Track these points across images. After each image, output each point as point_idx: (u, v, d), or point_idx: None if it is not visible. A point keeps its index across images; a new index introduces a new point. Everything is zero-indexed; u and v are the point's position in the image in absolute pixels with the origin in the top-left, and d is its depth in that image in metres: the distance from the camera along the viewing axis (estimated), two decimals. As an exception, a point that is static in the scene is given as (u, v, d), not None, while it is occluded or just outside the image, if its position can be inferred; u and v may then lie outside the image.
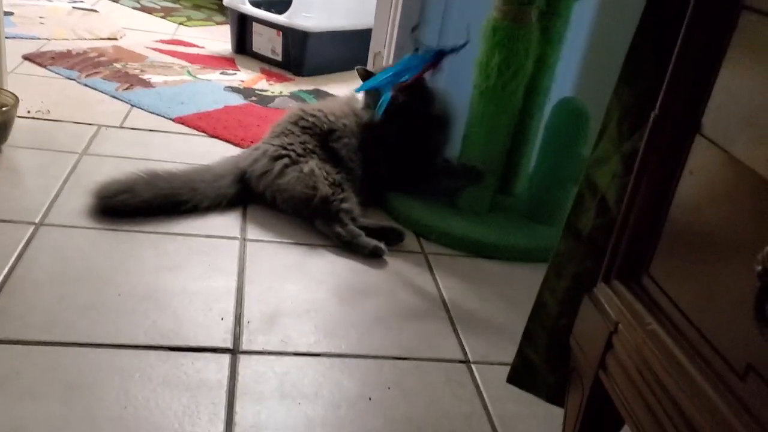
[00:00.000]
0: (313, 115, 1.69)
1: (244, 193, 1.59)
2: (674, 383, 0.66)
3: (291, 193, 1.54)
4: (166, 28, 3.18)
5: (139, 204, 1.45)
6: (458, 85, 1.84)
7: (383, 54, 2.05)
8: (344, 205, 1.53)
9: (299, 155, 1.60)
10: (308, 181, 1.54)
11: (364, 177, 1.67)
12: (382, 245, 1.48)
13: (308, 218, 1.55)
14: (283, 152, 1.60)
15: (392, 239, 1.53)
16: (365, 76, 1.73)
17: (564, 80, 1.81)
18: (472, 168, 1.67)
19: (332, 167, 1.60)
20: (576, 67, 1.93)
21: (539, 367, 0.95)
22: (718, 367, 0.63)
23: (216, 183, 1.56)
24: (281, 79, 2.64)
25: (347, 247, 1.48)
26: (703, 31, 0.70)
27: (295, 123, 1.68)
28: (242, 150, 1.80)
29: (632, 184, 0.77)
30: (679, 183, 0.72)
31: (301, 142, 1.63)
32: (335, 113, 1.71)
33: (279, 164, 1.58)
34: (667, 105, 0.73)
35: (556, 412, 0.96)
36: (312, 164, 1.58)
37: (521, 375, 0.98)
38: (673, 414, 0.66)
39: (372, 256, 1.47)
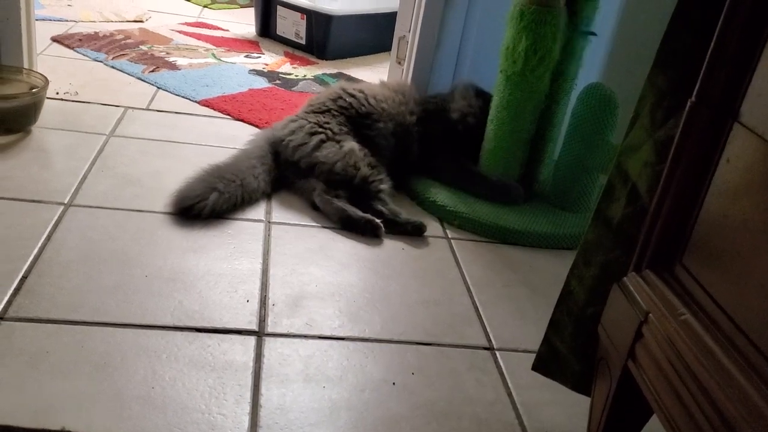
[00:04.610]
0: (353, 96, 1.71)
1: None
2: (706, 373, 0.65)
3: (330, 167, 1.56)
4: (191, 11, 3.18)
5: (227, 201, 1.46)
6: (484, 70, 1.82)
7: (408, 38, 2.03)
8: (382, 186, 1.56)
9: (335, 134, 1.62)
10: (348, 160, 1.56)
11: (394, 161, 1.68)
12: (424, 223, 1.51)
13: (336, 191, 1.54)
14: (320, 130, 1.62)
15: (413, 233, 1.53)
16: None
17: (591, 66, 1.79)
18: (506, 185, 1.68)
19: (368, 150, 1.62)
20: (603, 52, 1.90)
21: (565, 355, 0.94)
22: (753, 358, 0.62)
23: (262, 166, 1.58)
24: (305, 62, 2.63)
25: (386, 226, 1.48)
26: (744, 15, 0.68)
27: (334, 100, 1.70)
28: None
29: (667, 172, 0.76)
30: (716, 171, 0.71)
31: (337, 123, 1.65)
32: (377, 96, 1.73)
33: (315, 139, 1.60)
34: (704, 92, 0.71)
35: (582, 400, 0.96)
36: (351, 143, 1.60)
37: (547, 362, 0.97)
38: (704, 404, 0.65)
39: (416, 233, 1.50)
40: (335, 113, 1.67)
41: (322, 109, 1.68)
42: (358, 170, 1.55)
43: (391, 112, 1.71)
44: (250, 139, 1.68)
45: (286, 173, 1.60)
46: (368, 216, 1.48)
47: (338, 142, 1.60)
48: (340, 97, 1.70)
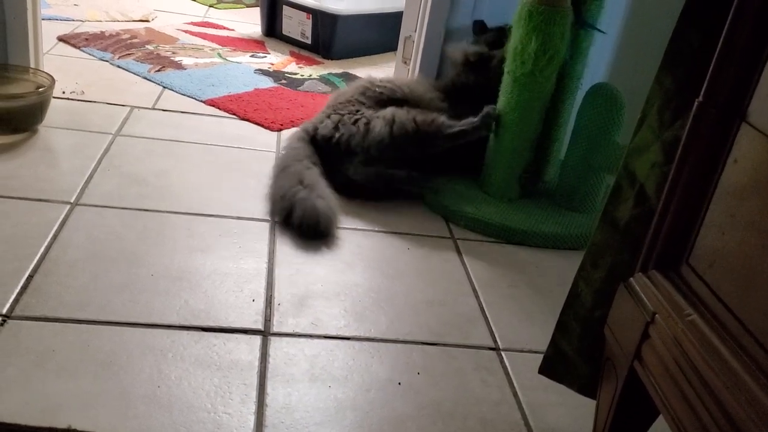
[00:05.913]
0: (383, 86, 1.74)
1: None
2: (713, 374, 0.65)
3: (386, 139, 1.57)
4: (197, 10, 3.19)
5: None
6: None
7: (413, 38, 2.03)
8: (441, 118, 1.59)
9: (372, 114, 1.65)
10: (396, 119, 1.58)
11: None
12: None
13: (410, 152, 1.58)
14: (358, 116, 1.64)
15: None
16: (481, 28, 1.82)
17: (597, 66, 1.79)
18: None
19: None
20: (610, 52, 1.90)
21: (572, 358, 0.94)
22: (760, 358, 0.62)
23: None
24: (310, 62, 2.64)
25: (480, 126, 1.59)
26: (752, 13, 0.68)
27: (363, 93, 1.72)
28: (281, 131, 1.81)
29: (674, 172, 0.75)
30: (723, 172, 0.71)
31: (369, 107, 1.67)
32: (410, 85, 1.76)
33: (360, 124, 1.62)
34: (712, 92, 0.71)
35: (588, 401, 0.96)
36: (388, 109, 1.63)
37: (553, 365, 0.97)
38: (711, 405, 0.65)
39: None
40: (364, 101, 1.70)
41: (352, 101, 1.70)
42: (414, 121, 1.56)
43: (423, 98, 1.72)
44: (294, 146, 1.65)
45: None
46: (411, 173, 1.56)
47: (378, 117, 1.62)
48: (368, 89, 1.73)
